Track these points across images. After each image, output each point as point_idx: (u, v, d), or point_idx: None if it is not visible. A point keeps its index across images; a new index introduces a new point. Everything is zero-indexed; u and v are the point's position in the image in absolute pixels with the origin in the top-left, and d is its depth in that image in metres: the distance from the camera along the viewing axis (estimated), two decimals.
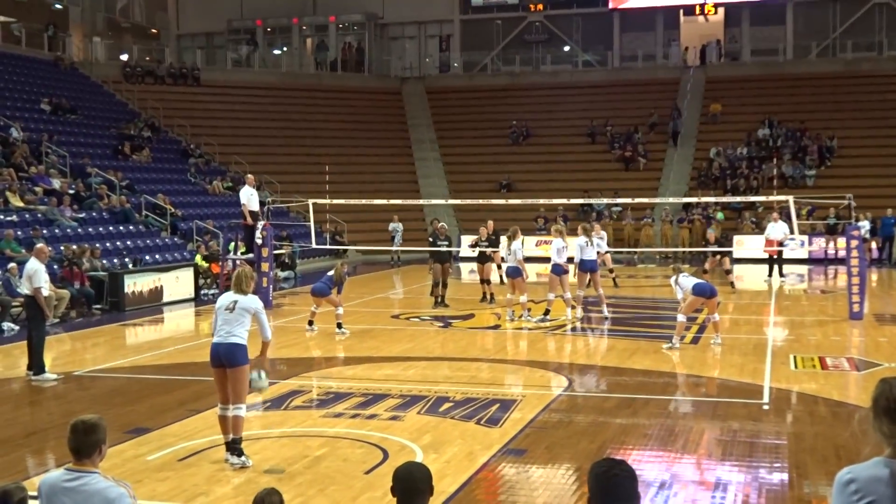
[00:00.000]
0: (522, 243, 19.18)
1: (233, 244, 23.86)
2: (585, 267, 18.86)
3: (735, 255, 31.31)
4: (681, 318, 15.44)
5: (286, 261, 28.12)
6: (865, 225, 28.43)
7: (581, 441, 9.87)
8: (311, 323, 17.75)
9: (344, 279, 17.75)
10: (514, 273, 18.64)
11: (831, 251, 30.94)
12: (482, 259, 22.13)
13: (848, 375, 13.48)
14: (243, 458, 9.00)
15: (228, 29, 49.57)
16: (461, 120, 43.45)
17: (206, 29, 50.07)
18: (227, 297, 9.33)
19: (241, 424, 9.02)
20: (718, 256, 24.98)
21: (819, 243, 31.49)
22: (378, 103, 44.98)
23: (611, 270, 25.00)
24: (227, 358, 9.04)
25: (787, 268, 27.35)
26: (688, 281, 15.42)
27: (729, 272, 24.16)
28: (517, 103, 43.43)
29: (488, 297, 21.69)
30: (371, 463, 9.12)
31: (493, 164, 40.16)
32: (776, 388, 12.38)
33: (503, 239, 20.17)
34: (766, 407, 11.45)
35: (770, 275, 26.37)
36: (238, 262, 23.18)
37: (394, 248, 32.21)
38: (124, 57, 43.97)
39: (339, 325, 17.28)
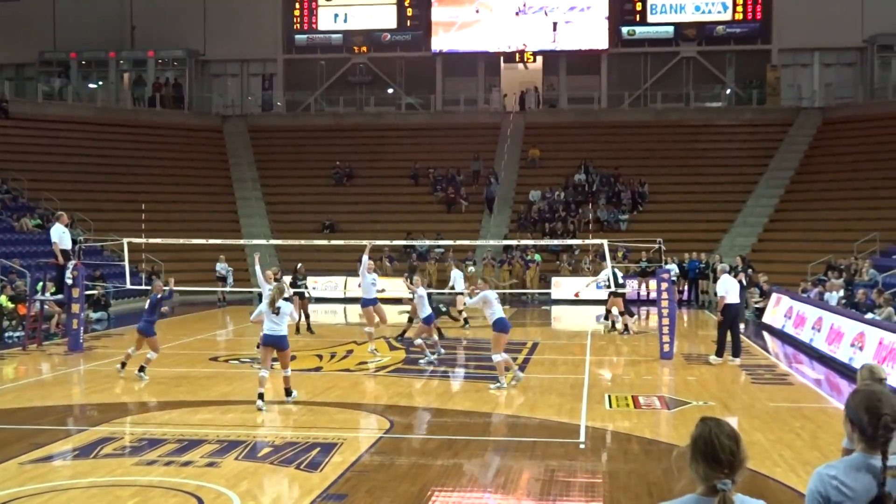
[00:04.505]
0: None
1: (41, 284, 22.74)
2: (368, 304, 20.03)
3: (553, 297, 32.30)
4: (496, 357, 15.60)
5: (101, 301, 27.07)
6: (674, 268, 29.68)
7: (402, 484, 9.80)
8: (123, 365, 16.86)
9: (161, 299, 17.20)
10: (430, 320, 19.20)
11: (643, 293, 32.10)
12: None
13: (659, 413, 13.95)
14: (294, 393, 14.35)
15: (40, 60, 47.74)
16: (284, 159, 43.07)
17: (16, 59, 48.07)
18: (268, 305, 13.97)
19: (289, 380, 14.33)
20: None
21: (632, 285, 32.65)
22: (198, 141, 44.11)
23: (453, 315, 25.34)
24: (279, 343, 14.03)
25: (599, 309, 28.02)
26: (492, 312, 15.57)
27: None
28: (341, 144, 43.50)
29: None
30: None
31: (317, 204, 39.96)
32: (592, 426, 12.67)
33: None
34: (582, 446, 11.69)
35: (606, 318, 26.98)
36: (46, 303, 22.20)
37: (223, 289, 31.85)
38: None
39: (142, 369, 16.44)
